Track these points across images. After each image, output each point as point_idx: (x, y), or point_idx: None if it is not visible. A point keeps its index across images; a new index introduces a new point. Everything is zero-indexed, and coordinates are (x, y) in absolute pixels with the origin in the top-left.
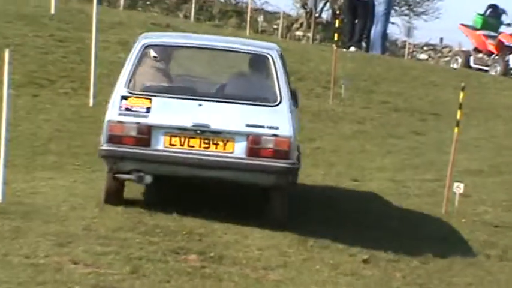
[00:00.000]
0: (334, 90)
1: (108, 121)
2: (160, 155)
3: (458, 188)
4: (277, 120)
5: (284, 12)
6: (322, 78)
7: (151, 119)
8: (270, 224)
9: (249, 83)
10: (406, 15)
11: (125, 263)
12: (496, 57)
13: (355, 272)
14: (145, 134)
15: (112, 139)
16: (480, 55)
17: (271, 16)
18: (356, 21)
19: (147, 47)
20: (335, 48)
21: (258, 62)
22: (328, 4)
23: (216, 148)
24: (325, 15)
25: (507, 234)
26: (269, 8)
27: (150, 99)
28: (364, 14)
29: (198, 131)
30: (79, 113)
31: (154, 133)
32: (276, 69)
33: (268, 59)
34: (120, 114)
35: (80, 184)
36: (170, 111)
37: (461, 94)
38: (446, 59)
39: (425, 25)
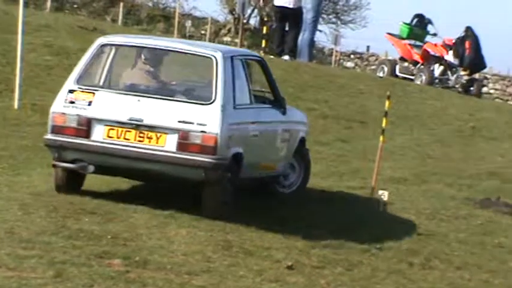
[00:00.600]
0: None
1: (53, 112)
2: (98, 146)
3: (383, 195)
4: (206, 118)
5: (212, 18)
6: None
7: (91, 112)
8: (204, 216)
9: (188, 82)
10: (333, 23)
11: (48, 267)
12: (422, 66)
13: (280, 278)
14: (85, 126)
15: (55, 129)
16: (406, 64)
17: (199, 21)
18: (286, 28)
19: (103, 46)
20: (263, 54)
21: (203, 62)
22: (256, 11)
23: (150, 142)
24: (253, 21)
25: (430, 243)
26: (197, 14)
27: (94, 93)
28: (295, 22)
29: (134, 125)
30: (4, 115)
31: (94, 125)
32: (217, 70)
33: (211, 60)
34: (64, 106)
35: (3, 187)
36: (109, 105)
37: (387, 102)
38: (373, 67)
39: (353, 34)
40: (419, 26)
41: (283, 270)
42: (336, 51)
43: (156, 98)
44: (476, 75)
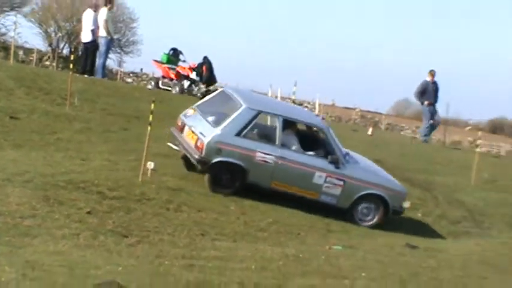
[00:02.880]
0: (70, 100)
1: (179, 117)
2: (181, 139)
3: (150, 165)
4: (208, 133)
5: (37, 49)
6: (62, 93)
7: (186, 120)
8: None
9: (223, 115)
10: (119, 53)
11: None
12: (176, 81)
13: (82, 220)
14: (182, 126)
15: (175, 126)
16: (166, 80)
17: (28, 51)
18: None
19: (222, 91)
20: (71, 73)
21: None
22: (67, 44)
23: (194, 141)
24: (66, 51)
25: (180, 195)
26: (27, 45)
27: (195, 111)
28: (93, 52)
29: (191, 130)
30: None
31: (185, 127)
32: (235, 112)
33: (239, 106)
34: (182, 115)
35: None
36: (192, 118)
37: (152, 105)
38: (145, 82)
39: (131, 60)
40: (174, 55)
41: (84, 214)
42: (120, 72)
43: (204, 119)
44: (211, 87)
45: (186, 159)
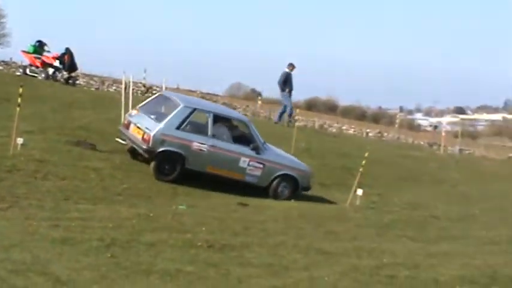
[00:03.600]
0: None
1: (125, 117)
2: (128, 134)
3: (20, 140)
4: (153, 128)
5: None
6: None
7: (131, 118)
8: None
9: (166, 114)
10: None
11: None
12: (41, 69)
13: None
14: (127, 124)
15: (122, 125)
16: (33, 68)
17: None
18: None
19: (159, 94)
20: None
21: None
22: None
23: (141, 135)
24: None
25: (47, 166)
26: None
27: (138, 111)
28: None
29: (137, 126)
30: None
31: (131, 124)
32: (174, 110)
33: (177, 106)
34: (128, 115)
35: None
36: (137, 117)
37: (21, 89)
38: (14, 69)
39: (1, 50)
40: (39, 46)
41: None
42: None
43: (149, 117)
44: (73, 74)
45: (132, 152)
